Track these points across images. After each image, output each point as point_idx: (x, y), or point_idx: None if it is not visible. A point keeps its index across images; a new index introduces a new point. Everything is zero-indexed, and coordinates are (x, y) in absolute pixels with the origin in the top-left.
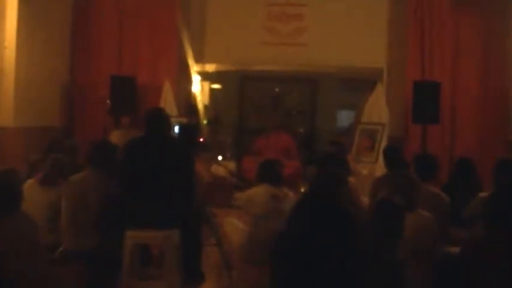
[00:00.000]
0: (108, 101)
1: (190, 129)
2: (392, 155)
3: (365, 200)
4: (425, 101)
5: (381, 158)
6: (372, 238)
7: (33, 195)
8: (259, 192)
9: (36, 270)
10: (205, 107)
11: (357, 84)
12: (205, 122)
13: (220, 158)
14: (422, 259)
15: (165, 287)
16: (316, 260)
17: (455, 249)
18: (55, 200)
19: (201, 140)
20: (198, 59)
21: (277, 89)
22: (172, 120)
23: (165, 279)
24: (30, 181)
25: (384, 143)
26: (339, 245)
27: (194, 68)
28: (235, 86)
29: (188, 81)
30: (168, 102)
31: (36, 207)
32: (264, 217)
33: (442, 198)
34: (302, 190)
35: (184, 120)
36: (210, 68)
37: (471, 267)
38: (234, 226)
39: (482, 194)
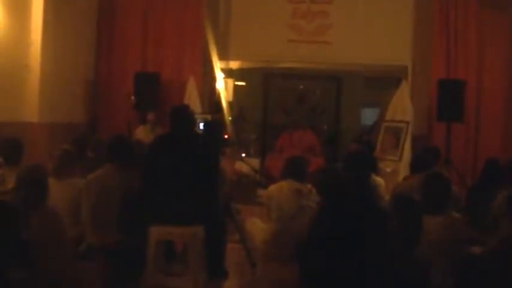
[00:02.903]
0: (132, 97)
1: (216, 126)
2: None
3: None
4: (449, 100)
5: (405, 156)
6: (392, 236)
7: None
8: (283, 187)
9: (61, 263)
10: (230, 104)
11: (381, 82)
12: (229, 118)
13: (243, 155)
14: (447, 259)
15: (188, 283)
16: (339, 258)
17: (477, 249)
18: (72, 193)
19: (226, 136)
20: (223, 56)
21: (301, 87)
22: (197, 117)
23: (189, 275)
24: None
25: (408, 141)
26: (362, 242)
27: (218, 65)
28: (259, 83)
29: (212, 78)
30: (192, 99)
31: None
32: (287, 214)
33: (455, 194)
34: None
35: (208, 117)
36: (234, 65)
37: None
38: (256, 226)
39: (502, 194)
